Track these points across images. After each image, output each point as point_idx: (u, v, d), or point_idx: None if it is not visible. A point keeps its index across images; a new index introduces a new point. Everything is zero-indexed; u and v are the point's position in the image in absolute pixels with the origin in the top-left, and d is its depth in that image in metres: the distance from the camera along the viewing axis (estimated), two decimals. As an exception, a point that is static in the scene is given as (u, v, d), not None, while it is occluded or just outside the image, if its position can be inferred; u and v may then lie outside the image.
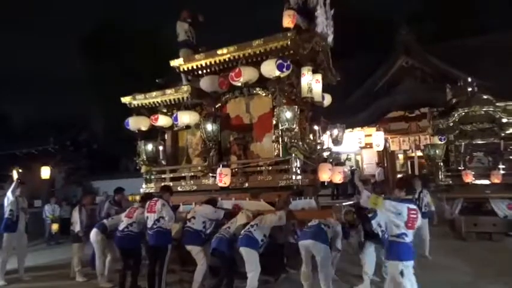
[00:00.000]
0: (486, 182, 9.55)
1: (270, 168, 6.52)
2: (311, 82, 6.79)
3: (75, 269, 7.08)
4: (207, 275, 5.91)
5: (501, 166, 9.63)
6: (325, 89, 7.52)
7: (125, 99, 7.71)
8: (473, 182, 9.65)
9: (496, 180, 9.36)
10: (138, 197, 8.01)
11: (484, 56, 14.95)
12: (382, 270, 5.87)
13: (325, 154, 7.30)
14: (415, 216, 4.06)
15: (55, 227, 12.18)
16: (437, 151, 10.18)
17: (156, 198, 5.83)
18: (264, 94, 6.93)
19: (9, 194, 7.27)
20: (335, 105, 8.45)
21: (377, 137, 16.84)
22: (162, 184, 6.49)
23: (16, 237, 7.19)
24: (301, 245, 5.15)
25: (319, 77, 7.14)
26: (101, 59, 27.13)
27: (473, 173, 9.69)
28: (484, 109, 9.87)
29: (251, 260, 5.25)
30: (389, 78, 16.57)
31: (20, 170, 7.86)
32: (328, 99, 7.94)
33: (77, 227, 7.17)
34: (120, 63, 26.03)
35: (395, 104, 15.19)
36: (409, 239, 4.06)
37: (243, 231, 5.47)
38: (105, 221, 6.82)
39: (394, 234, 4.08)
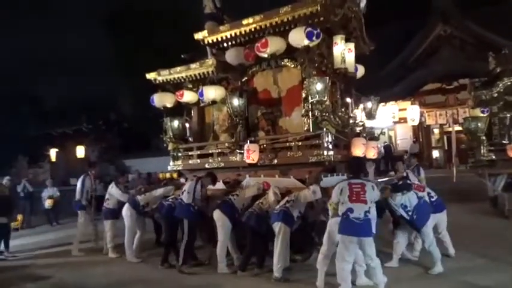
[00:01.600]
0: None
1: (300, 143, 6.22)
2: (344, 51, 6.36)
3: (108, 246, 7.18)
4: (235, 250, 5.87)
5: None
6: (357, 60, 7.06)
7: (150, 76, 7.54)
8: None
9: (542, 154, 8.67)
10: (168, 175, 7.98)
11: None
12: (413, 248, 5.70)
13: (358, 128, 6.91)
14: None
15: None
16: (479, 124, 9.52)
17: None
18: (292, 66, 6.55)
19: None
20: (368, 77, 7.98)
21: (412, 111, 15.95)
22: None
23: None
24: (331, 221, 4.89)
25: (351, 46, 6.68)
26: (126, 37, 27.20)
27: (519, 146, 9.03)
28: (531, 78, 9.11)
29: (284, 237, 5.12)
30: (426, 47, 15.68)
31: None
32: (361, 71, 7.48)
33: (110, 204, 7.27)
34: (146, 41, 26.00)
35: (432, 75, 14.37)
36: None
37: (278, 206, 5.34)
38: (138, 197, 6.82)
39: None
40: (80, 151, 17.47)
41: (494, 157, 9.27)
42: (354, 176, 4.61)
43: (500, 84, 9.26)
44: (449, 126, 16.39)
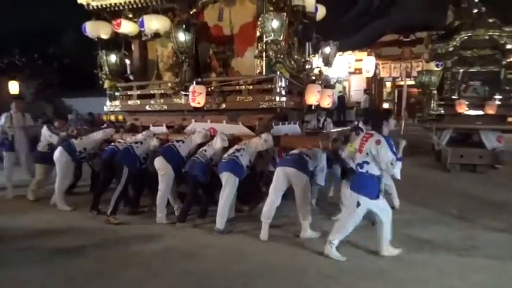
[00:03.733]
0: (479, 112, 9.07)
1: (251, 87, 5.72)
2: (304, -13, 5.72)
3: (30, 188, 6.61)
4: (175, 200, 5.53)
5: (497, 96, 9.10)
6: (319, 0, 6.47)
7: (81, 0, 6.44)
8: (466, 113, 9.17)
9: (491, 111, 8.89)
10: (113, 117, 7.23)
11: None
12: None
13: (314, 74, 6.49)
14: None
15: None
16: (432, 78, 9.50)
17: None
18: (247, -1, 5.85)
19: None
20: (329, 22, 7.44)
21: (368, 62, 16.08)
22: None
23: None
24: (280, 171, 4.59)
25: (313, -18, 6.04)
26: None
27: (467, 102, 9.17)
28: (488, 33, 9.04)
29: (230, 187, 4.80)
30: (388, -4, 15.14)
31: None
32: (322, 12, 6.87)
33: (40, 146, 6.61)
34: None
35: (392, 25, 14.05)
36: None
37: (226, 155, 4.95)
38: (73, 141, 6.12)
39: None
40: (13, 87, 15.93)
41: (443, 112, 9.37)
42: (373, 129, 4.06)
43: (457, 38, 9.12)
44: (402, 80, 16.57)
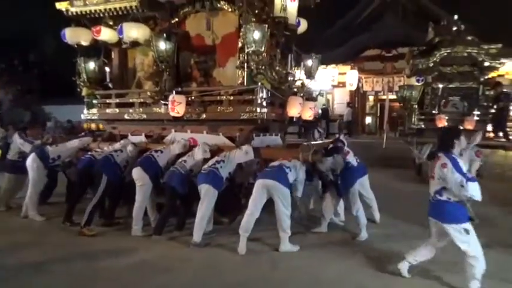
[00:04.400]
0: (459, 127, 9.21)
1: (232, 98, 5.65)
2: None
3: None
4: (153, 211, 5.33)
5: (476, 112, 9.29)
6: (301, 14, 6.48)
7: (61, 5, 6.27)
8: (446, 127, 9.29)
9: (469, 126, 9.04)
10: (94, 126, 7.04)
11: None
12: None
13: (296, 87, 6.47)
14: None
15: None
16: (413, 92, 9.67)
17: None
18: (229, 9, 5.82)
19: None
20: (311, 36, 7.51)
21: (351, 76, 16.17)
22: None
23: None
24: (260, 184, 4.50)
25: (295, -6, 6.05)
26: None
27: (447, 117, 9.33)
28: (467, 50, 9.30)
29: (209, 199, 4.67)
30: (371, 12, 15.52)
31: None
32: (304, 26, 6.90)
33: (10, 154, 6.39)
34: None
35: (375, 40, 14.33)
36: None
37: (206, 166, 4.82)
38: (48, 148, 5.91)
39: None
40: (-10, 93, 15.55)
41: (423, 126, 9.51)
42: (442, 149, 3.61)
43: (437, 54, 9.35)
44: (384, 94, 16.80)
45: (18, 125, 12.70)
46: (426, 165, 9.00)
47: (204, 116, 5.74)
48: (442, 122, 9.23)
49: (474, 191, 3.28)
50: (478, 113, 9.25)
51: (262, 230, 4.93)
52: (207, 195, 4.66)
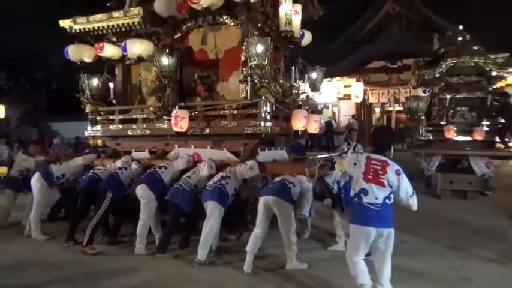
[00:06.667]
0: (467, 138, 9.04)
1: (236, 112, 5.58)
2: (290, 13, 5.68)
3: None
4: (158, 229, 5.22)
5: (485, 122, 9.10)
6: (304, 26, 6.46)
7: (64, 23, 6.31)
8: (454, 138, 9.12)
9: (479, 137, 8.85)
10: (100, 142, 7.01)
11: (472, 5, 14.10)
12: None
13: (301, 100, 6.39)
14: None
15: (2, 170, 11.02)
16: (420, 104, 9.48)
17: None
18: (232, 24, 5.81)
19: None
20: (316, 49, 7.46)
21: (356, 88, 16.19)
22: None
23: None
24: (262, 201, 4.38)
25: (298, 7, 6.03)
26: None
27: (455, 128, 9.14)
28: (474, 60, 9.13)
29: (215, 216, 4.55)
30: (375, 24, 15.55)
31: None
32: (308, 37, 6.87)
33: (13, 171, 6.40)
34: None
35: (379, 52, 14.29)
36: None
37: (212, 182, 4.72)
38: (52, 166, 5.84)
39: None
40: (-1, 111, 15.78)
41: (431, 137, 9.33)
42: (376, 151, 3.68)
43: (444, 65, 9.18)
44: (390, 106, 16.69)
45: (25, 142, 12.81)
46: (435, 178, 8.93)
47: (207, 130, 5.68)
48: (451, 133, 9.04)
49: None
50: (488, 123, 9.05)
51: (269, 247, 4.80)
52: (213, 212, 4.55)
